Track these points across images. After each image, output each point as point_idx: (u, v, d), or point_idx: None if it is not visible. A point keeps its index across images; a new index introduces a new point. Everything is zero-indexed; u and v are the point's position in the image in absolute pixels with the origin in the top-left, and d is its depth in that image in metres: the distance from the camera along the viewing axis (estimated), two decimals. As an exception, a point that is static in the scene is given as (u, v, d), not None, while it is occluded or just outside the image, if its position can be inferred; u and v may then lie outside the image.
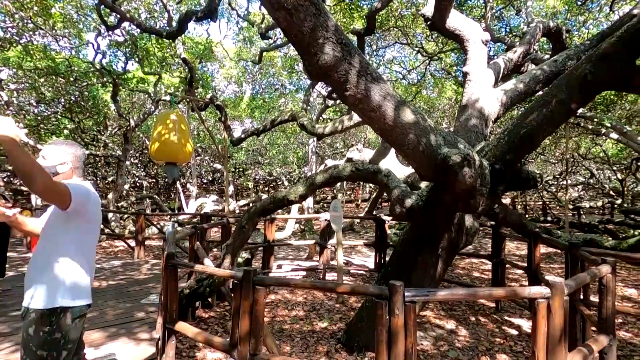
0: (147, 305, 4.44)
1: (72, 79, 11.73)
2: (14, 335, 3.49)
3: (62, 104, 13.90)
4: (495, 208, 3.95)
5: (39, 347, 1.60)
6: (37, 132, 14.45)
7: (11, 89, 12.77)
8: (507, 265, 5.14)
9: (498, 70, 4.34)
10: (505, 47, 7.13)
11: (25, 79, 12.14)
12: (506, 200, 18.13)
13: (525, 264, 4.77)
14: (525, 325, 4.24)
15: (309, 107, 9.84)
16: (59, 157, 1.82)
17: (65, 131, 15.82)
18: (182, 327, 2.67)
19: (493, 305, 4.86)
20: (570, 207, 14.54)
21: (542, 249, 5.05)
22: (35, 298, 1.64)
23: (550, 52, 5.74)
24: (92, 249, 1.85)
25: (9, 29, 9.80)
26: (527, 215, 15.70)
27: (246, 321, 2.16)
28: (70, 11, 10.42)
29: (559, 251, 8.15)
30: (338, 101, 10.90)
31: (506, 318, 4.48)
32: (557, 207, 18.91)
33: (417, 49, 11.24)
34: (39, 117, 14.52)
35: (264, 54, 11.06)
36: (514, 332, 4.09)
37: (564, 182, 15.27)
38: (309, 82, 12.75)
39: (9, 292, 4.95)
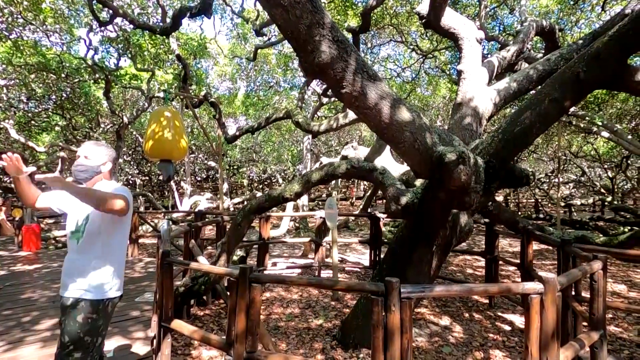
0: (141, 304, 4.41)
1: (63, 75, 11.56)
2: (7, 335, 3.46)
3: (53, 100, 13.70)
4: (489, 205, 3.99)
5: (86, 333, 1.78)
6: (28, 128, 14.24)
7: (0, 85, 12.55)
8: (500, 262, 5.20)
9: (492, 68, 4.37)
10: (499, 45, 7.18)
11: (15, 75, 11.92)
12: (499, 198, 18.31)
13: (518, 261, 4.83)
14: (518, 321, 4.29)
15: (303, 105, 9.83)
16: (101, 157, 1.97)
17: (57, 128, 15.60)
18: (178, 325, 2.66)
19: (486, 301, 4.91)
20: (562, 204, 14.73)
21: (535, 246, 5.12)
22: (87, 290, 1.82)
23: (543, 51, 5.79)
24: (127, 242, 2.06)
25: (-2, 23, 9.62)
26: (519, 213, 15.86)
27: (242, 318, 2.16)
28: (61, 6, 10.26)
29: (550, 248, 8.27)
30: (333, 99, 10.90)
31: (499, 314, 4.54)
32: (549, 205, 19.14)
33: (411, 46, 11.26)
34: (30, 114, 14.30)
35: (259, 51, 11.00)
36: (507, 327, 4.14)
37: (556, 180, 15.46)
38: (303, 79, 12.72)
39: None
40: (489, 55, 5.33)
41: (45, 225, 12.22)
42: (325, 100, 11.21)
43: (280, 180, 22.61)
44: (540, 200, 18.11)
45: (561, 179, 16.35)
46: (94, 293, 1.83)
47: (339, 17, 9.10)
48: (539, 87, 3.19)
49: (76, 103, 13.53)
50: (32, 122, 14.42)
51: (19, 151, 12.40)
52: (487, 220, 5.28)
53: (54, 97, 13.46)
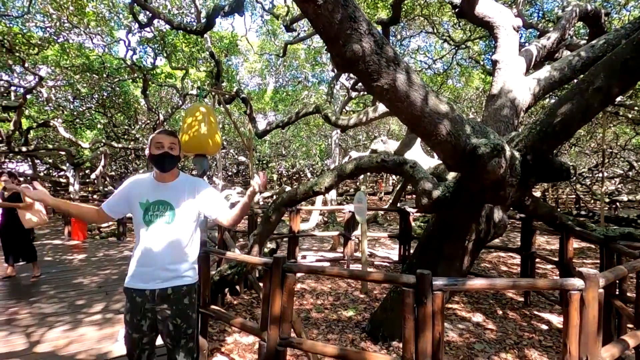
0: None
1: (105, 75, 12.24)
2: (66, 316, 3.80)
3: (96, 99, 14.55)
4: (526, 200, 3.85)
5: (193, 311, 1.98)
6: (74, 126, 15.22)
7: (50, 86, 13.46)
8: (537, 259, 5.00)
9: (530, 57, 4.18)
10: (538, 33, 6.83)
11: (62, 76, 12.75)
12: (536, 194, 17.47)
13: (557, 259, 4.63)
14: (556, 320, 4.14)
15: (332, 99, 9.83)
16: (179, 147, 1.98)
17: (99, 125, 16.55)
18: (215, 311, 2.80)
19: (522, 299, 4.76)
20: (607, 200, 13.86)
21: (575, 244, 4.86)
22: (186, 277, 1.96)
23: (586, 38, 5.46)
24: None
25: (48, 28, 10.32)
26: (558, 209, 15.09)
27: (276, 306, 2.24)
28: (102, 10, 10.84)
29: (592, 246, 7.84)
30: (362, 92, 10.82)
31: (535, 313, 4.39)
32: (592, 201, 18.05)
33: (443, 37, 10.94)
34: (75, 113, 15.27)
35: (288, 46, 11.09)
36: (544, 326, 4.00)
37: (600, 175, 14.54)
38: (331, 74, 12.70)
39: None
40: (527, 44, 5.10)
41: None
42: (354, 94, 11.16)
43: (309, 175, 22.78)
44: (581, 196, 17.13)
45: (606, 174, 15.36)
46: (192, 278, 1.98)
47: (368, 10, 9.00)
48: (582, 75, 3.03)
49: (116, 101, 14.29)
50: (77, 120, 15.39)
51: (66, 148, 13.26)
52: (522, 215, 5.09)
53: (96, 96, 14.30)
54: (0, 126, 11.80)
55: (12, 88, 12.60)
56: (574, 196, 17.89)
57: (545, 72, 3.83)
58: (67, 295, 4.48)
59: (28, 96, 11.12)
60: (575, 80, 3.75)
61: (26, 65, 10.20)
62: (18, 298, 4.35)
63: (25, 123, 13.58)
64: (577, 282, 1.89)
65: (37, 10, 10.12)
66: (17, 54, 9.85)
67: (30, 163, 16.53)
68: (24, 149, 11.81)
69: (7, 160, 19.17)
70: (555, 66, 3.84)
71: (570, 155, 19.12)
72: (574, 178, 16.16)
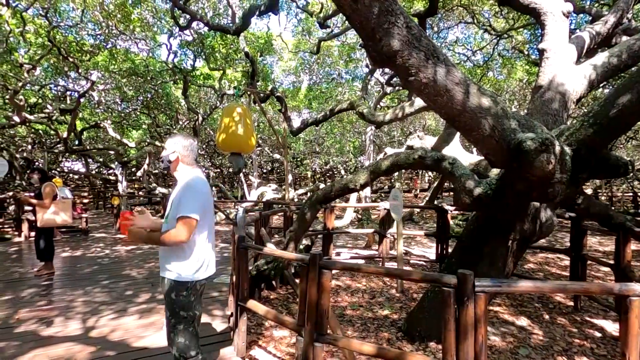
0: (219, 285, 4.83)
1: (149, 78, 12.89)
2: (114, 305, 4.08)
3: (141, 101, 15.39)
4: (577, 198, 3.61)
5: (181, 309, 2.01)
6: (121, 127, 16.21)
7: (100, 90, 14.40)
8: (588, 262, 4.66)
9: (582, 45, 3.88)
10: (591, 18, 6.33)
11: (110, 80, 13.61)
12: (587, 191, 16.27)
13: (612, 261, 4.29)
14: (610, 327, 3.84)
15: (366, 95, 9.71)
16: (170, 148, 2.15)
17: (144, 126, 17.50)
18: (253, 304, 2.87)
19: (571, 303, 4.47)
20: (670, 198, 12.60)
21: (633, 246, 4.46)
22: (171, 271, 2.03)
23: (648, 20, 4.98)
24: (209, 230, 2.15)
25: (98, 36, 11.04)
26: (613, 207, 13.94)
27: (313, 302, 2.26)
28: (146, 16, 11.42)
29: (653, 248, 7.18)
30: (397, 87, 10.60)
31: (587, 318, 4.10)
32: (652, 199, 16.52)
33: (484, 27, 10.45)
34: (122, 114, 16.25)
35: (321, 43, 11.09)
36: (597, 333, 3.73)
37: (662, 170, 13.25)
38: (365, 70, 12.55)
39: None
40: (578, 31, 4.73)
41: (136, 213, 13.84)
42: (388, 89, 10.96)
43: (343, 172, 22.74)
44: (640, 193, 15.73)
45: (669, 170, 13.98)
46: (175, 274, 2.01)
47: (404, 3, 8.78)
48: (644, 62, 2.76)
49: (159, 103, 15.03)
50: (124, 121, 16.36)
51: (115, 147, 14.16)
52: (572, 214, 4.76)
53: (141, 98, 15.12)
54: (57, 128, 12.80)
55: (68, 93, 13.63)
56: (631, 194, 16.48)
57: (602, 58, 3.53)
58: (117, 285, 4.81)
59: (81, 100, 11.96)
60: (635, 68, 3.44)
61: (79, 70, 10.98)
62: (76, 286, 4.72)
63: (79, 125, 14.64)
64: (638, 288, 1.74)
65: (89, 19, 10.87)
66: (72, 61, 10.63)
67: (83, 162, 17.82)
68: (78, 148, 12.75)
69: (63, 159, 20.83)
70: (613, 52, 3.54)
71: (627, 149, 17.62)
72: (632, 174, 14.85)
